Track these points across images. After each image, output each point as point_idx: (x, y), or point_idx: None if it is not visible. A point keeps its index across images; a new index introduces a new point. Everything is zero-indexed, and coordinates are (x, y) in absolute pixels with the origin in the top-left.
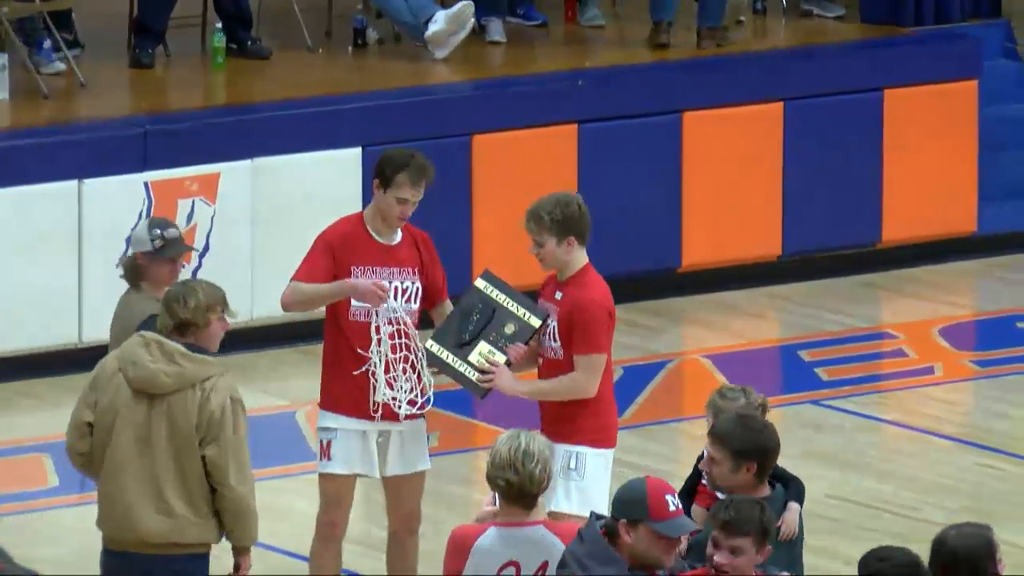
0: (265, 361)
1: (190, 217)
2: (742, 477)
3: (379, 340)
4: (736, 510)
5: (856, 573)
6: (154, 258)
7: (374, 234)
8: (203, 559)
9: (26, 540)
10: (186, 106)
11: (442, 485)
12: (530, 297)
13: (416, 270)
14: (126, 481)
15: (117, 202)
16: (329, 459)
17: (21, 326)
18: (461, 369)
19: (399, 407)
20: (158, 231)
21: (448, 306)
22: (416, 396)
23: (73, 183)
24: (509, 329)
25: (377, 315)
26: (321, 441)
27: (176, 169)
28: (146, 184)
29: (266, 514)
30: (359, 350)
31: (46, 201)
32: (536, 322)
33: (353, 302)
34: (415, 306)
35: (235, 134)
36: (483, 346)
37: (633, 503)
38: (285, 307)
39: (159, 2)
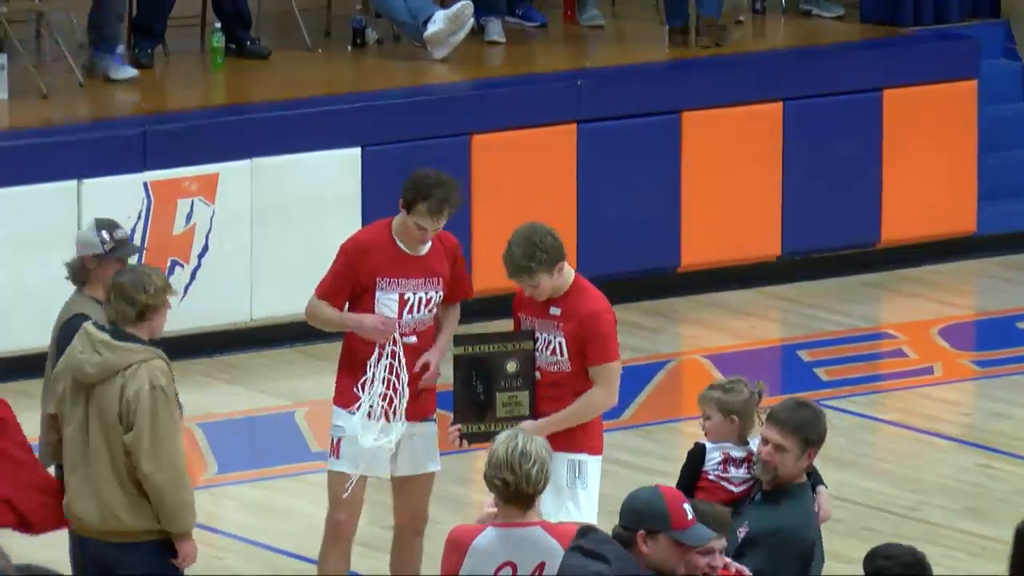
0: (265, 361)
1: (189, 217)
2: (804, 463)
3: (372, 379)
4: (723, 514)
5: (855, 573)
6: (103, 260)
7: (400, 244)
8: (147, 549)
9: (25, 541)
10: (185, 106)
11: (441, 485)
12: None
13: (442, 281)
14: (71, 469)
15: (117, 202)
16: (337, 457)
17: (20, 326)
18: (500, 428)
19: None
20: (106, 233)
21: (455, 311)
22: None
23: (72, 183)
24: (511, 368)
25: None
26: (332, 438)
27: (175, 169)
28: (145, 184)
29: (266, 514)
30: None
31: (46, 201)
32: (529, 344)
33: (378, 307)
34: (432, 312)
35: (234, 134)
36: (501, 396)
37: (653, 514)
38: (307, 319)
39: (158, 2)
